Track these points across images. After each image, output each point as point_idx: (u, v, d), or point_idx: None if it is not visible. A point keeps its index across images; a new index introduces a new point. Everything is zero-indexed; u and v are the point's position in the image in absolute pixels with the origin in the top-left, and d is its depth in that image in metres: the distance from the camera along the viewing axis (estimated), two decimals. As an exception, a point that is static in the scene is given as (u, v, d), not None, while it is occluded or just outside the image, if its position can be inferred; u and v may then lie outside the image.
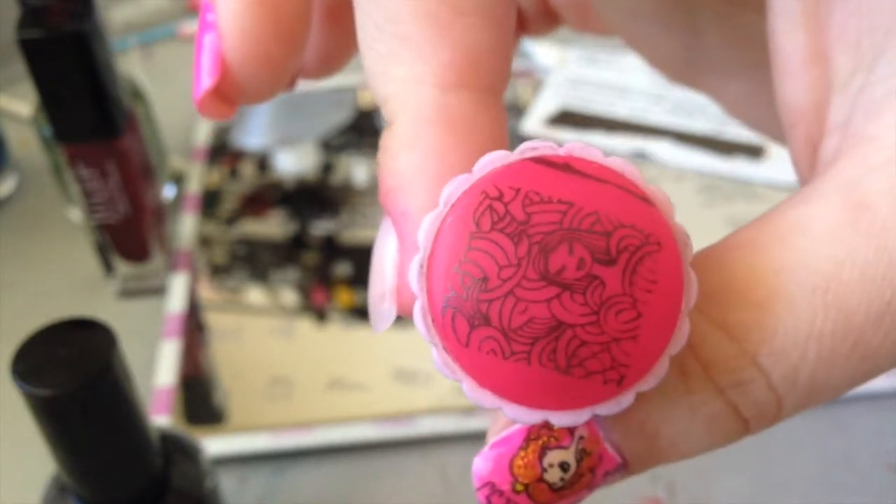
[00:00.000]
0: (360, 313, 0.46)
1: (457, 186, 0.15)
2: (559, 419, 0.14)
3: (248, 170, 0.55)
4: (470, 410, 0.41)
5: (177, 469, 0.30)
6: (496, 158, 0.15)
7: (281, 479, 0.40)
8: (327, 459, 0.41)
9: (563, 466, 0.15)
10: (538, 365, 0.14)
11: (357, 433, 0.41)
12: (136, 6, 0.69)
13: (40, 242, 0.52)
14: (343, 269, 0.49)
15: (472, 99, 0.16)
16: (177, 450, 0.31)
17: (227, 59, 0.18)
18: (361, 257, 0.49)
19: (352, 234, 0.50)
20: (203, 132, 0.58)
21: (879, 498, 0.39)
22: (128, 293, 0.49)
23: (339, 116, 0.58)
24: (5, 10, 0.51)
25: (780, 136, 0.23)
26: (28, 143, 0.57)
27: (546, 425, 0.15)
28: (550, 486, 0.15)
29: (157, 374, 0.44)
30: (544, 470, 0.15)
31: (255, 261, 0.50)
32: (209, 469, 0.32)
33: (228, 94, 0.19)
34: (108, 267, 0.48)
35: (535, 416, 0.14)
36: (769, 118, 0.23)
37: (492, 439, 0.16)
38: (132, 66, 0.62)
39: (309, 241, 0.50)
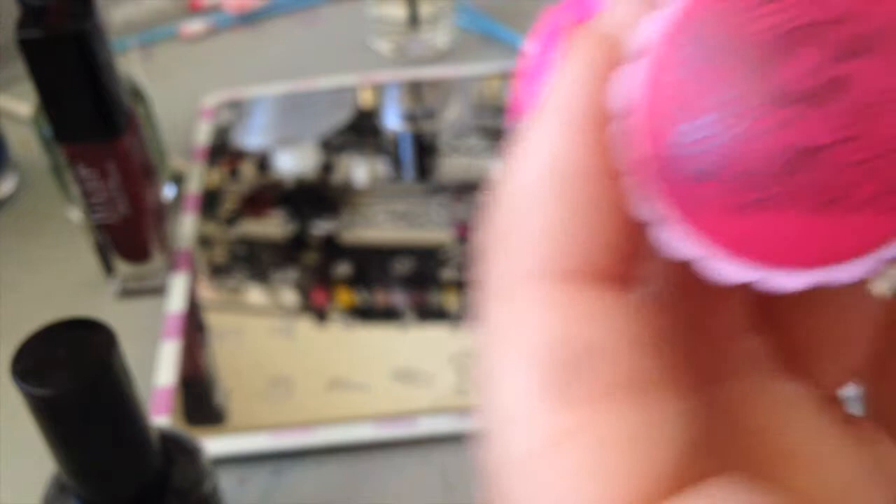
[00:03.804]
0: (361, 313, 0.46)
1: (651, 27, 0.12)
2: (843, 273, 0.11)
3: (248, 170, 0.55)
4: (470, 410, 0.41)
5: (177, 469, 0.30)
6: None
7: (281, 479, 0.40)
8: (327, 459, 0.41)
9: None
10: (792, 210, 0.11)
11: (357, 433, 0.41)
12: (136, 6, 0.69)
13: (40, 242, 0.52)
14: (343, 269, 0.49)
15: None
16: (177, 450, 0.31)
17: None
18: (361, 257, 0.49)
19: (352, 234, 0.50)
20: (203, 132, 0.58)
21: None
22: (128, 293, 0.49)
23: (339, 116, 0.58)
24: (5, 10, 0.51)
25: None
26: (28, 143, 0.57)
27: None
28: None
29: (157, 374, 0.44)
30: None
31: (255, 261, 0.50)
32: (209, 469, 0.32)
33: None
34: (108, 267, 0.48)
35: (812, 277, 0.11)
36: None
37: None
38: (132, 66, 0.62)
39: (309, 241, 0.50)
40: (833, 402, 0.15)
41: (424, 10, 0.62)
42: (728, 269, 0.12)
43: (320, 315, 0.47)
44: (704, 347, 0.15)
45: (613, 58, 0.13)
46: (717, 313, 0.15)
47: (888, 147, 0.10)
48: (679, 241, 0.12)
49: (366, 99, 0.60)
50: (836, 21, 0.11)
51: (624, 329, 0.12)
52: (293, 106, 0.59)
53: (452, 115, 0.58)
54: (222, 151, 0.56)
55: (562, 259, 0.12)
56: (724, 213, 0.11)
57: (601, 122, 0.12)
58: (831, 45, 0.11)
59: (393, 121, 0.58)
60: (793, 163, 0.11)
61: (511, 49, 0.63)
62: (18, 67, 0.42)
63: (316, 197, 0.53)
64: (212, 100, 0.60)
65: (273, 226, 0.51)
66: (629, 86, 0.12)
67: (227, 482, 0.40)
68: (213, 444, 0.40)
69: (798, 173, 0.11)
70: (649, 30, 0.12)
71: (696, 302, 0.15)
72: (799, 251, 0.11)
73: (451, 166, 0.54)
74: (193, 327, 0.46)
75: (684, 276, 0.13)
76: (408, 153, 0.56)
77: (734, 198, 0.11)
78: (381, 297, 0.47)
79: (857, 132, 0.11)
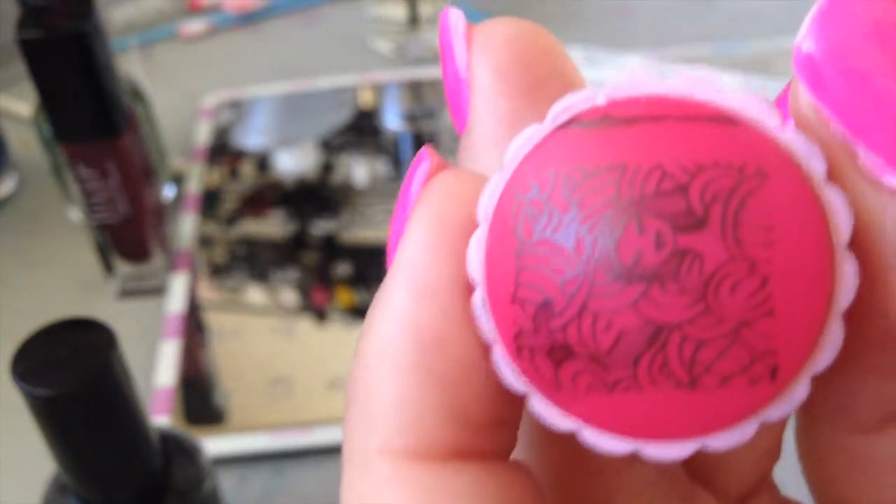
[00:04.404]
0: (361, 313, 0.46)
1: (490, 193, 0.12)
2: (718, 443, 0.11)
3: (248, 170, 0.55)
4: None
5: (177, 469, 0.30)
6: (526, 139, 0.11)
7: (281, 479, 0.40)
8: (327, 459, 0.41)
9: None
10: (653, 388, 0.11)
11: (357, 433, 0.41)
12: (136, 6, 0.69)
13: (40, 242, 0.52)
14: (343, 268, 0.49)
15: None
16: (177, 450, 0.31)
17: None
18: (361, 257, 0.49)
19: (352, 234, 0.50)
20: (203, 132, 0.58)
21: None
22: (128, 293, 0.49)
23: (339, 116, 0.58)
24: (5, 10, 0.51)
25: None
26: (28, 143, 0.57)
27: None
28: None
29: (157, 374, 0.44)
30: None
31: (255, 261, 0.50)
32: (209, 469, 0.32)
33: None
34: (108, 267, 0.48)
35: (685, 449, 0.11)
36: None
37: None
38: (132, 66, 0.62)
39: (309, 240, 0.50)
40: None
41: (424, 10, 0.62)
42: (600, 442, 0.11)
43: (320, 315, 0.47)
44: (594, 483, 0.14)
45: (473, 212, 0.12)
46: (605, 457, 0.14)
47: (740, 319, 0.10)
48: (546, 414, 0.11)
49: (366, 99, 0.60)
50: (671, 193, 0.10)
51: None
52: (293, 106, 0.59)
53: (452, 114, 0.58)
54: (222, 151, 0.56)
55: (415, 435, 0.11)
56: (584, 392, 0.11)
57: (454, 286, 0.12)
58: (671, 217, 0.10)
59: (393, 121, 0.58)
60: (648, 343, 0.10)
61: (511, 49, 0.63)
62: (18, 67, 0.42)
63: (316, 197, 0.53)
64: (212, 100, 0.60)
65: (273, 226, 0.51)
66: (475, 253, 0.11)
67: (227, 482, 0.40)
68: (213, 444, 0.40)
69: (656, 353, 0.10)
70: (488, 193, 0.12)
71: (580, 450, 0.13)
72: (670, 426, 0.11)
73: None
74: (193, 327, 0.46)
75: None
76: (408, 153, 0.56)
77: (593, 378, 0.11)
78: (381, 297, 0.47)
79: (707, 307, 0.10)
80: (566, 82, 0.13)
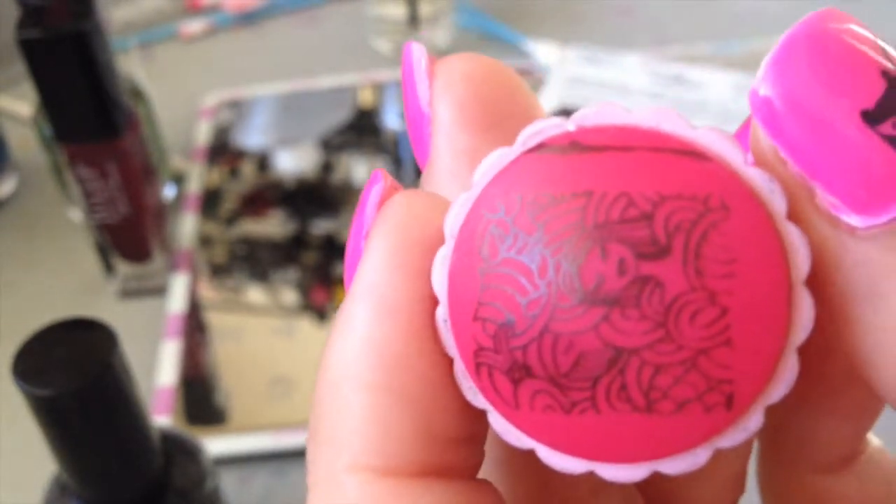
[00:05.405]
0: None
1: (457, 212, 0.12)
2: (672, 467, 0.11)
3: (248, 170, 0.55)
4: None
5: (177, 469, 0.30)
6: (495, 161, 0.12)
7: (282, 478, 0.40)
8: (328, 459, 0.41)
9: None
10: (610, 411, 0.11)
11: (357, 433, 0.41)
12: (136, 6, 0.69)
13: (40, 242, 0.52)
14: (343, 268, 0.49)
15: None
16: (177, 450, 0.31)
17: None
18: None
19: (352, 234, 0.50)
20: (203, 132, 0.58)
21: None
22: (128, 293, 0.49)
23: (339, 116, 0.58)
24: (5, 10, 0.51)
25: None
26: (28, 143, 0.57)
27: None
28: None
29: (157, 374, 0.44)
30: None
31: (255, 260, 0.50)
32: (210, 469, 0.32)
33: None
34: (108, 267, 0.48)
35: (639, 472, 0.11)
36: None
37: None
38: (132, 66, 0.62)
39: (309, 240, 0.50)
40: None
41: (424, 9, 0.62)
42: (556, 461, 0.11)
43: (320, 314, 0.47)
44: None
45: (433, 230, 0.12)
46: (569, 479, 0.14)
47: (698, 347, 0.10)
48: (504, 431, 0.12)
49: (366, 98, 0.60)
50: (636, 220, 0.10)
51: None
52: (293, 106, 0.59)
53: (452, 114, 0.58)
54: (222, 151, 0.56)
55: (383, 453, 0.11)
56: (541, 412, 0.11)
57: (417, 304, 0.12)
58: (635, 245, 0.10)
59: (393, 120, 0.58)
60: (607, 366, 0.11)
61: (511, 48, 0.63)
62: (18, 67, 0.42)
63: (316, 196, 0.53)
64: (212, 100, 0.60)
65: (273, 225, 0.51)
66: (439, 270, 0.12)
67: (228, 482, 0.40)
68: (214, 444, 0.40)
69: (614, 376, 0.11)
70: (454, 212, 0.12)
71: (544, 470, 0.13)
72: (625, 449, 0.11)
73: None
74: (194, 327, 0.46)
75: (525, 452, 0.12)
76: (408, 153, 0.56)
77: (550, 399, 0.11)
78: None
79: (666, 333, 0.10)
80: (527, 119, 0.13)
